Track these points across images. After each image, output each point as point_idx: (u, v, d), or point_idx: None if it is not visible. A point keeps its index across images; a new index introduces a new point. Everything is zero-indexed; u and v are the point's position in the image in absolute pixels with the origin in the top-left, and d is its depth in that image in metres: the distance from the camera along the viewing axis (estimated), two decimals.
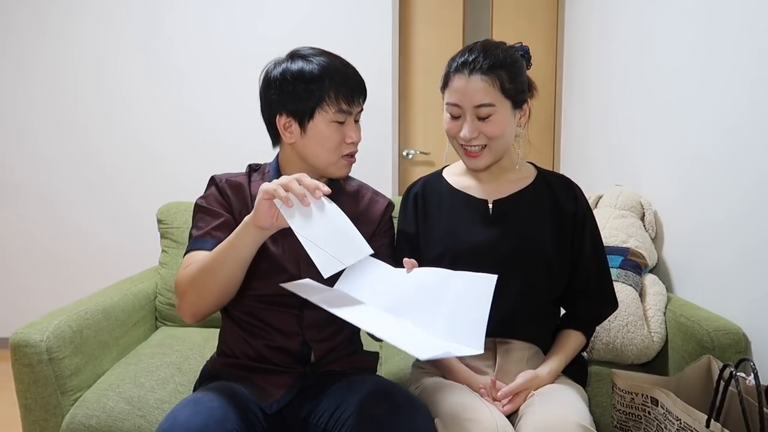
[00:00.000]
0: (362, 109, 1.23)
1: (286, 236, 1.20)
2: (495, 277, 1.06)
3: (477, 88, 1.20)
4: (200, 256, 1.13)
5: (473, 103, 1.21)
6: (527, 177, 1.35)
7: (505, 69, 1.22)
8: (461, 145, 1.27)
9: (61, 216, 2.97)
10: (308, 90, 1.15)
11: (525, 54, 1.30)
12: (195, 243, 1.18)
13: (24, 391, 1.38)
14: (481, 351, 1.00)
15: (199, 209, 1.23)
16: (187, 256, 1.18)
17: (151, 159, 2.93)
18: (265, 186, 0.99)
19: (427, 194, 1.37)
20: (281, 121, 1.19)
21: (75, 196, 2.96)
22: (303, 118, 1.17)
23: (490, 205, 1.31)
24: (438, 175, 1.41)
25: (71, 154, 2.94)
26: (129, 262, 2.48)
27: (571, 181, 1.37)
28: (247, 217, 1.04)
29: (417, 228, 1.34)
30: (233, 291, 1.12)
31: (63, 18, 2.87)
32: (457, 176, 1.38)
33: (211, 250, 1.11)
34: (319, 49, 1.21)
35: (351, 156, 1.23)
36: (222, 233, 1.16)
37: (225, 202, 1.23)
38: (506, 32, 2.97)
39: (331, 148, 1.19)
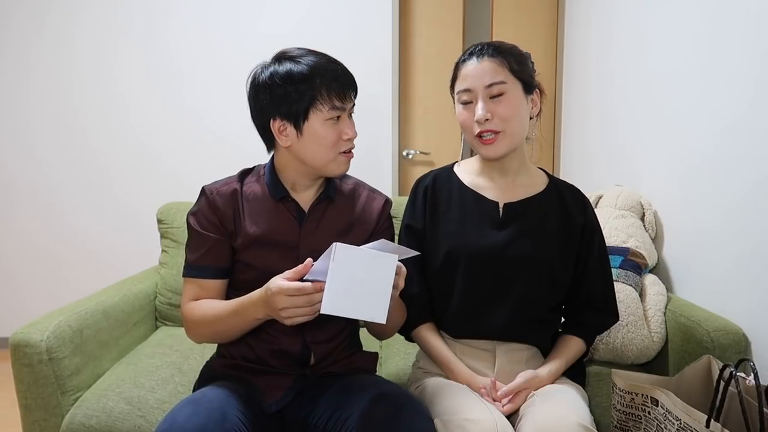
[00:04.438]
0: (354, 104, 1.23)
1: (284, 247, 1.20)
2: (395, 257, 0.99)
3: (487, 68, 1.22)
4: (196, 288, 1.22)
5: (484, 83, 1.22)
6: (539, 183, 1.34)
7: (511, 54, 1.24)
8: (476, 135, 1.24)
9: (61, 216, 2.97)
10: (299, 91, 1.14)
11: (528, 56, 1.31)
12: (191, 270, 1.23)
13: (24, 391, 1.38)
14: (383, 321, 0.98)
15: (190, 229, 1.24)
16: (186, 284, 1.23)
17: (150, 158, 2.93)
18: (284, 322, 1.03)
19: (438, 189, 1.35)
20: (275, 125, 1.18)
21: (75, 196, 2.96)
22: (298, 119, 1.16)
23: (501, 208, 1.30)
24: (449, 170, 1.39)
25: (70, 154, 2.94)
26: (129, 262, 2.48)
27: (582, 193, 1.37)
28: (262, 307, 1.07)
29: (425, 223, 1.33)
30: (240, 336, 1.20)
31: (61, 17, 2.87)
32: (469, 174, 1.37)
33: (206, 277, 1.21)
34: (305, 48, 1.21)
35: (349, 152, 1.23)
36: (214, 257, 1.22)
37: (215, 217, 1.22)
38: (506, 32, 2.97)
39: (329, 145, 1.18)
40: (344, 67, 1.21)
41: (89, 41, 2.88)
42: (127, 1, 2.86)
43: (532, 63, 1.30)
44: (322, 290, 0.96)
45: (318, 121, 1.16)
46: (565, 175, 2.86)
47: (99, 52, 2.89)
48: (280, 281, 1.02)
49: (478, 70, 1.22)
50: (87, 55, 2.89)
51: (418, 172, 3.02)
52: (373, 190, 1.36)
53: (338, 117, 1.18)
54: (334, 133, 1.18)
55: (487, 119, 1.21)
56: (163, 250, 2.01)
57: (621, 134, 2.21)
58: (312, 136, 1.17)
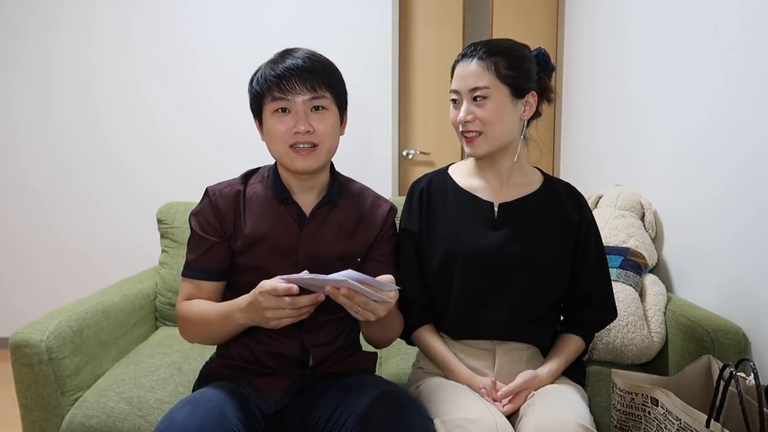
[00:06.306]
0: (319, 97, 1.16)
1: (284, 250, 1.20)
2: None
3: (472, 71, 1.23)
4: (192, 288, 1.22)
5: (468, 87, 1.24)
6: (534, 183, 1.34)
7: (503, 56, 1.23)
8: (461, 132, 1.27)
9: (61, 216, 2.96)
10: (257, 87, 1.19)
11: (540, 56, 1.30)
12: (189, 270, 1.23)
13: (24, 391, 1.38)
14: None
15: (191, 229, 1.25)
16: (183, 283, 1.23)
17: (156, 158, 2.93)
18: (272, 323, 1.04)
19: (433, 191, 1.36)
20: (256, 124, 1.23)
21: (75, 196, 2.96)
22: (259, 116, 1.21)
23: (496, 209, 1.30)
24: (444, 173, 1.40)
25: (80, 155, 2.93)
26: (129, 262, 2.47)
27: (578, 191, 1.37)
28: (246, 311, 1.07)
29: (421, 227, 1.33)
30: (228, 339, 1.20)
31: (78, 19, 2.87)
32: (463, 176, 1.37)
33: (201, 279, 1.21)
34: (300, 50, 1.20)
35: (303, 148, 1.16)
36: (211, 260, 1.21)
37: (216, 220, 1.21)
38: (506, 32, 2.96)
39: (277, 138, 1.18)
40: (307, 61, 1.16)
41: (106, 43, 2.88)
42: (142, 2, 2.86)
43: (545, 61, 1.29)
44: (308, 293, 1.01)
45: (268, 113, 1.18)
46: (565, 174, 2.86)
47: (116, 53, 2.89)
48: (274, 281, 1.02)
49: (465, 73, 1.24)
50: (104, 56, 2.89)
51: (418, 172, 3.01)
52: (378, 197, 1.34)
53: (286, 109, 1.16)
54: (280, 125, 1.17)
55: (468, 120, 1.24)
56: (163, 250, 2.01)
57: (621, 134, 2.21)
58: (266, 131, 1.20)
